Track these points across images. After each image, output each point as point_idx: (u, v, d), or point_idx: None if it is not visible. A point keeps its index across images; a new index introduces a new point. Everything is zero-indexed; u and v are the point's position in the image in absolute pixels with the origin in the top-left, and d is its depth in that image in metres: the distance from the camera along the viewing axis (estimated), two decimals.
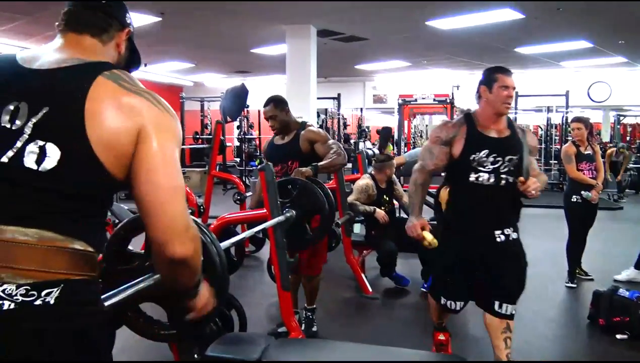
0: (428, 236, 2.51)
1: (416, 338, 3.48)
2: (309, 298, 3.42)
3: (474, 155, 2.39)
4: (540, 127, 15.00)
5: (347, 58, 10.48)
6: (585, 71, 12.16)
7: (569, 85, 11.22)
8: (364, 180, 4.48)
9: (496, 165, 2.40)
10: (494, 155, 2.39)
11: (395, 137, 10.49)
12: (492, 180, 2.40)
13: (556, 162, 11.44)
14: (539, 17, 6.87)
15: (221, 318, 2.50)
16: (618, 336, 3.42)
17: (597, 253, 5.30)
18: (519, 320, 3.83)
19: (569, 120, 8.94)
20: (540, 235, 6.99)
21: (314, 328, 3.39)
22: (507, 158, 2.40)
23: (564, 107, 11.08)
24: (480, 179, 2.41)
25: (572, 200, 4.53)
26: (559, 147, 11.03)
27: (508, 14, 6.73)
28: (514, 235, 2.51)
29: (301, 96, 7.54)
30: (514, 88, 2.45)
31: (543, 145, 12.03)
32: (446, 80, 12.01)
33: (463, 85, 11.67)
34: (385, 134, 9.34)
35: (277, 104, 3.23)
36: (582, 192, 4.45)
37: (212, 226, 2.96)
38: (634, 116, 14.35)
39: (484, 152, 2.39)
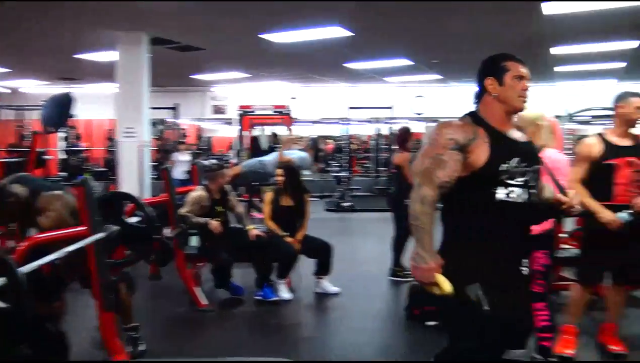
0: (444, 283, 1.77)
1: (253, 345, 3.55)
2: (123, 317, 3.20)
3: (505, 165, 1.85)
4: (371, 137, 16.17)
5: (184, 67, 10.27)
6: (407, 86, 13.43)
7: (394, 99, 12.29)
8: (197, 192, 4.43)
9: (526, 177, 1.90)
10: (524, 164, 1.89)
11: (237, 148, 10.52)
12: (525, 196, 1.89)
13: (385, 168, 12.39)
14: (365, 36, 7.44)
15: (36, 345, 2.29)
16: (429, 323, 3.82)
17: None
18: (346, 317, 4.15)
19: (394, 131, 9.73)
20: (368, 237, 7.54)
21: (142, 347, 3.24)
22: (534, 167, 1.95)
23: (391, 118, 12.11)
24: (511, 195, 1.86)
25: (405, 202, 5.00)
26: (387, 155, 11.99)
27: (338, 32, 7.17)
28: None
29: (133, 106, 7.20)
30: (529, 79, 1.96)
31: (374, 154, 12.97)
32: (284, 92, 12.41)
33: (299, 97, 12.18)
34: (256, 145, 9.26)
35: None
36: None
37: (20, 248, 2.69)
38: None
39: (515, 161, 1.86)
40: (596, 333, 3.48)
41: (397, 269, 5.13)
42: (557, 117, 10.16)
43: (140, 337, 3.24)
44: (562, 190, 2.04)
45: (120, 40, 7.30)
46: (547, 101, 12.71)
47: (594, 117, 10.54)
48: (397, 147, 5.33)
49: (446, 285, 1.75)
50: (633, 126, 3.13)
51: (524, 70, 1.93)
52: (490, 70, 1.96)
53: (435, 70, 10.71)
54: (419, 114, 13.83)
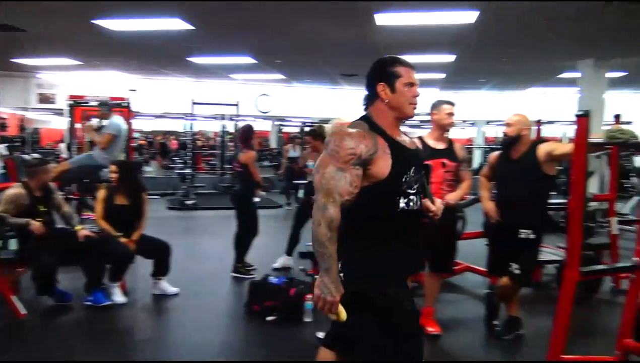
0: (342, 312, 1.81)
1: (83, 354, 3.31)
2: None
3: (405, 175, 1.87)
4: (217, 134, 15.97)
5: (2, 50, 9.11)
6: (252, 84, 13.49)
7: (240, 96, 12.27)
8: (13, 189, 3.97)
9: (418, 184, 1.94)
10: (417, 172, 1.92)
11: (67, 141, 9.64)
12: (419, 203, 1.94)
13: (229, 166, 12.33)
14: (207, 30, 7.29)
15: None
16: (268, 318, 3.91)
17: (263, 246, 5.92)
18: (185, 317, 4.06)
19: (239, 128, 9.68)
20: (212, 235, 7.44)
21: None
22: (423, 174, 1.99)
23: (237, 116, 12.07)
24: (411, 203, 1.89)
25: (253, 200, 5.19)
26: (233, 152, 11.93)
27: (178, 24, 6.92)
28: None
29: None
30: (419, 84, 1.98)
31: (220, 151, 12.81)
32: (123, 83, 11.65)
33: (140, 89, 11.54)
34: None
35: None
36: (260, 192, 5.27)
37: None
38: (293, 126, 16.73)
39: (412, 170, 1.89)
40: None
41: (239, 266, 5.14)
42: None
43: None
44: (430, 197, 2.05)
45: None
46: None
47: (421, 121, 11.68)
48: (240, 145, 5.31)
49: (343, 315, 1.80)
50: (447, 130, 3.53)
51: (414, 77, 1.94)
52: (381, 75, 1.93)
53: (279, 70, 10.92)
54: (264, 113, 14.00)
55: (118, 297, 4.20)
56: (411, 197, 1.88)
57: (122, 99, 9.33)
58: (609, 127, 5.18)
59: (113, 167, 4.47)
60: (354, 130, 1.84)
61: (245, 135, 5.34)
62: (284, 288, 4.04)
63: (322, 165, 1.81)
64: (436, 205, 2.02)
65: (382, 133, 1.88)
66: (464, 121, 14.45)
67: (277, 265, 5.41)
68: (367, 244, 1.89)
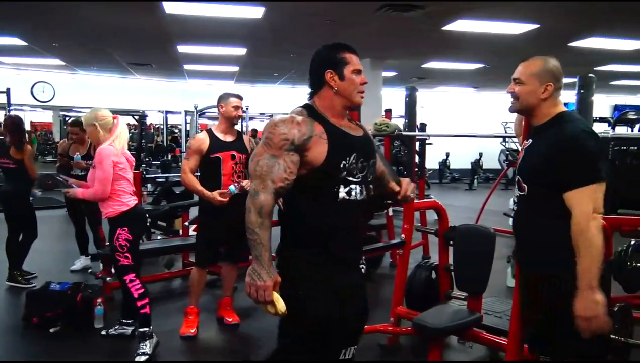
0: (278, 301, 1.65)
1: None
2: None
3: (344, 162, 1.76)
4: None
5: None
6: (28, 70, 11.95)
7: (11, 83, 10.75)
8: None
9: (364, 173, 1.84)
10: (361, 159, 1.82)
11: None
12: (364, 193, 1.84)
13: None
14: None
15: None
16: (52, 330, 3.55)
17: (48, 251, 5.33)
18: None
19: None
20: None
21: None
22: (372, 161, 1.89)
23: (6, 105, 10.56)
24: (353, 193, 1.80)
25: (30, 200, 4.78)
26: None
27: None
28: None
29: None
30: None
31: None
32: None
33: None
34: None
35: None
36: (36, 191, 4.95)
37: None
38: (77, 116, 15.29)
39: (353, 156, 1.79)
40: (216, 309, 3.90)
41: (17, 273, 4.58)
42: (187, 112, 10.85)
43: None
44: (395, 179, 2.04)
45: None
46: (179, 97, 13.44)
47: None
48: (9, 138, 4.64)
49: (281, 304, 1.65)
50: (234, 123, 3.60)
51: (359, 64, 1.84)
52: (328, 62, 1.82)
53: (57, 55, 9.85)
54: (44, 102, 12.54)
55: None
56: (353, 186, 1.79)
57: None
58: (376, 120, 5.85)
59: None
60: (287, 116, 1.76)
61: (18, 127, 4.71)
62: (70, 295, 3.71)
63: (257, 154, 1.74)
64: (403, 185, 2.01)
65: (322, 119, 1.79)
66: (262, 114, 14.85)
67: (75, 267, 5.03)
68: (309, 237, 1.79)
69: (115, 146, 3.16)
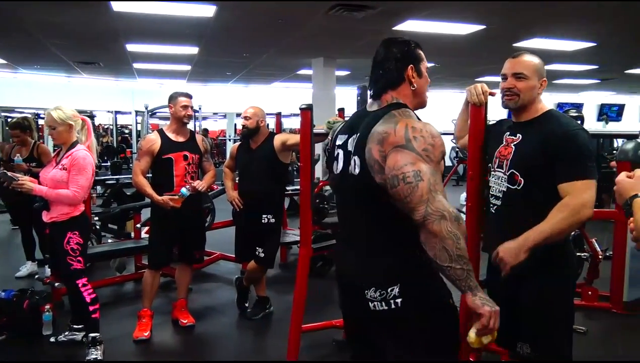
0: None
1: None
2: None
3: None
4: None
5: None
6: None
7: None
8: None
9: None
10: None
11: None
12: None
13: None
14: None
15: None
16: None
17: None
18: None
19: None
20: None
21: None
22: None
23: None
24: None
25: None
26: None
27: None
28: None
29: None
30: None
31: None
32: None
33: None
34: None
35: None
36: None
37: None
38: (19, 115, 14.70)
39: None
40: (171, 311, 3.84)
41: None
42: (138, 112, 10.58)
43: None
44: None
45: None
46: (129, 97, 13.10)
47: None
48: None
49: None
50: (185, 123, 3.54)
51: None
52: (410, 57, 1.63)
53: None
54: None
55: None
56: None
57: None
58: (329, 119, 5.86)
59: None
60: (427, 123, 1.51)
61: None
62: (15, 302, 3.57)
63: (420, 169, 1.42)
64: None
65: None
66: (215, 113, 14.68)
67: (21, 273, 4.86)
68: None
69: (92, 151, 3.11)
